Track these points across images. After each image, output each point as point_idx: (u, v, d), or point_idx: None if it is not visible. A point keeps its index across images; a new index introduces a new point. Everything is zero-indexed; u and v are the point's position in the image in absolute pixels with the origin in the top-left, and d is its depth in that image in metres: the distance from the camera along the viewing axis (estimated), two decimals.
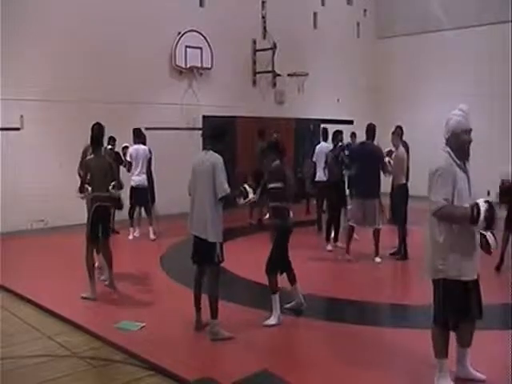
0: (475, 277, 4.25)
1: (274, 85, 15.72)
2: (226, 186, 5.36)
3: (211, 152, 5.49)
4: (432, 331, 4.38)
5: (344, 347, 5.35)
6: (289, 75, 15.25)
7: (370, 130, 8.63)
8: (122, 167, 10.06)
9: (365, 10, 18.50)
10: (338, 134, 9.83)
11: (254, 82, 15.41)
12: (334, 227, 9.64)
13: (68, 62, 11.59)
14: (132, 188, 10.33)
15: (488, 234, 4.13)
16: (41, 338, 5.67)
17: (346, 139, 11.40)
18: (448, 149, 4.24)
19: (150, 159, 10.47)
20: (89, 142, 7.06)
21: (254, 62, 15.31)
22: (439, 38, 16.58)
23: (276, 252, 5.96)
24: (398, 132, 9.07)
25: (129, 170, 10.27)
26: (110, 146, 9.94)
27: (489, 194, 9.22)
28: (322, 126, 12.81)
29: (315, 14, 16.93)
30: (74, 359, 5.14)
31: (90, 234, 6.87)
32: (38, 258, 8.85)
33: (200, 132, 13.59)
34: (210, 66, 13.88)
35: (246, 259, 8.28)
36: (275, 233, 6.00)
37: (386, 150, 9.03)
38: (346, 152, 9.43)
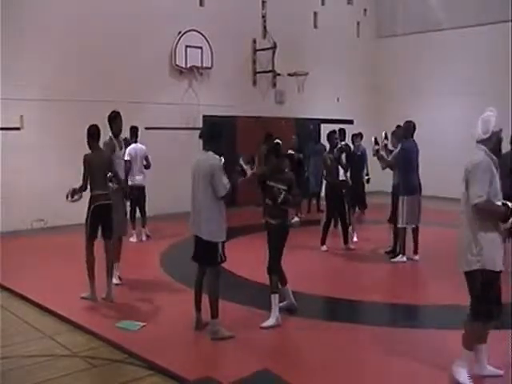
0: (502, 268, 4.38)
1: (274, 84, 15.73)
2: (225, 186, 5.36)
3: (209, 153, 5.48)
4: (470, 326, 4.42)
5: (344, 347, 5.36)
6: (289, 75, 15.25)
7: (412, 127, 8.60)
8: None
9: (365, 10, 18.48)
10: (333, 135, 9.76)
11: (254, 82, 15.41)
12: (343, 229, 9.61)
13: (68, 61, 11.60)
14: (131, 187, 10.27)
15: None
16: (41, 337, 5.68)
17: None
18: (483, 147, 4.37)
19: (147, 157, 10.41)
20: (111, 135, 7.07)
21: (254, 62, 15.31)
22: (439, 38, 16.57)
23: (276, 252, 5.95)
24: (398, 132, 9.08)
25: (128, 169, 10.20)
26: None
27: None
28: (340, 126, 12.82)
29: (315, 14, 16.93)
30: (74, 359, 5.14)
31: (88, 236, 6.66)
32: (37, 257, 8.84)
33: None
34: (210, 65, 13.88)
35: (247, 259, 8.28)
36: (274, 232, 5.98)
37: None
38: (344, 154, 9.48)
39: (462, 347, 4.43)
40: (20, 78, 10.93)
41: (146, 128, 11.57)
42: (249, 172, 5.66)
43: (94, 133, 6.72)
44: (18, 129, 11.14)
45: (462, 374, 4.36)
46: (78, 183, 6.70)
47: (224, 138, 5.69)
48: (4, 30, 10.75)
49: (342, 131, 10.63)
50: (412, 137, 8.61)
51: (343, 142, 10.30)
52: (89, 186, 6.65)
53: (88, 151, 6.73)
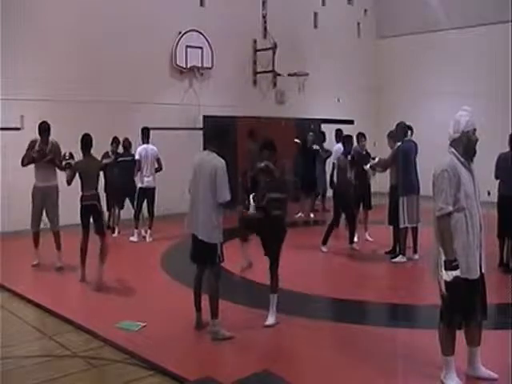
0: (478, 275, 4.27)
1: (275, 84, 15.72)
2: (227, 192, 5.33)
3: (214, 154, 5.45)
4: (439, 329, 4.42)
5: (344, 347, 5.36)
6: (289, 75, 15.24)
7: (405, 128, 8.69)
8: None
9: (365, 10, 18.48)
10: (351, 139, 9.88)
11: (255, 82, 15.41)
12: (350, 228, 9.60)
13: (68, 61, 11.60)
14: (140, 188, 10.28)
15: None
16: (41, 337, 5.68)
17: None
18: (453, 149, 4.30)
19: (158, 159, 10.40)
20: None
21: (255, 62, 15.31)
22: (439, 38, 16.57)
23: (279, 249, 5.92)
24: (393, 134, 9.11)
25: (138, 170, 10.20)
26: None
27: (489, 194, 9.23)
28: (340, 127, 12.90)
29: (316, 14, 16.93)
30: (75, 359, 5.13)
31: (82, 228, 7.46)
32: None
33: (201, 132, 13.60)
34: (210, 65, 13.89)
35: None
36: (274, 225, 5.93)
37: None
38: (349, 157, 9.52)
39: (441, 355, 4.42)
40: (20, 77, 10.93)
41: (149, 128, 11.54)
42: (251, 210, 5.72)
43: (84, 143, 7.46)
44: (18, 129, 11.13)
45: (453, 382, 4.35)
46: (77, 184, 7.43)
47: (228, 140, 5.70)
48: (4, 30, 10.75)
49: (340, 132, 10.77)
50: (406, 137, 8.64)
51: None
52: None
53: None
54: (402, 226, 8.54)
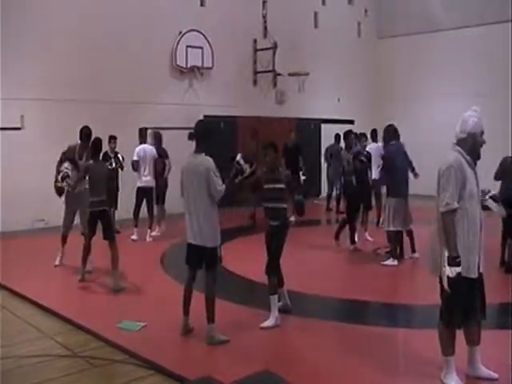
0: (477, 274, 4.27)
1: (275, 84, 15.72)
2: (220, 186, 5.24)
3: (202, 155, 5.33)
4: (439, 328, 4.42)
5: (344, 347, 5.36)
6: (289, 75, 15.25)
7: (395, 131, 8.66)
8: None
9: (366, 10, 18.47)
10: (351, 136, 9.86)
11: (255, 82, 15.41)
12: (351, 228, 9.58)
13: (68, 61, 11.60)
14: (139, 188, 10.30)
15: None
16: (41, 337, 5.68)
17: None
18: (458, 148, 4.28)
19: (156, 159, 10.40)
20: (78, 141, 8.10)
21: (255, 62, 15.31)
22: (439, 38, 16.57)
23: (276, 253, 5.91)
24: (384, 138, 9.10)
25: (136, 170, 10.20)
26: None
27: (489, 192, 9.24)
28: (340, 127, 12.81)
29: (316, 14, 16.93)
30: (75, 359, 5.14)
31: (87, 233, 7.46)
32: (38, 257, 8.83)
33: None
34: (210, 65, 13.89)
35: (246, 258, 8.28)
36: (274, 234, 5.93)
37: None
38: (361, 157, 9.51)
39: (441, 355, 4.42)
40: (20, 77, 10.93)
41: (147, 128, 11.55)
42: (247, 171, 5.64)
43: (95, 147, 7.45)
44: (18, 129, 11.14)
45: (453, 382, 4.35)
46: None
47: (213, 139, 5.55)
48: (4, 30, 10.75)
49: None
50: (397, 139, 8.62)
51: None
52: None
53: None
54: (386, 228, 8.52)
